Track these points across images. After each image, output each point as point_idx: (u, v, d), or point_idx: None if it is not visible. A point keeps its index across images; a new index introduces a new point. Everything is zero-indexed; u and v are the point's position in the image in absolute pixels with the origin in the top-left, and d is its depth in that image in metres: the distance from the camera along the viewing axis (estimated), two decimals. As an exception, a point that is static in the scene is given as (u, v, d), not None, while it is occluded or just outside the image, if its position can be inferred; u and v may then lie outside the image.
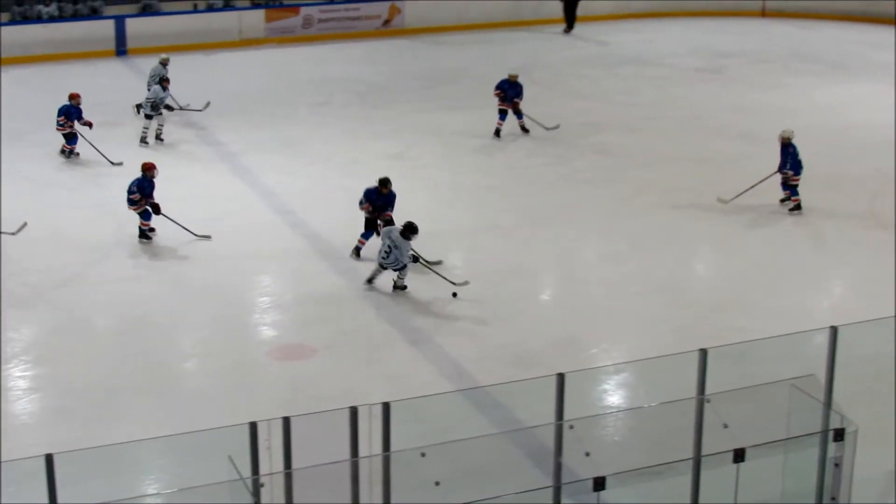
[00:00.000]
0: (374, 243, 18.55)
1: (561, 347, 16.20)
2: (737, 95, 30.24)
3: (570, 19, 37.96)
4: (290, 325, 17.27)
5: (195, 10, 36.75)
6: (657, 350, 15.10)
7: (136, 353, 16.07)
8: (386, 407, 10.01)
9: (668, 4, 40.69)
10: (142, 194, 19.74)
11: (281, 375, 15.59)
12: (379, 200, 18.90)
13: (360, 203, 19.06)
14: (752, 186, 21.50)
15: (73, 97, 24.41)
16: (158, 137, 25.44)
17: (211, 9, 36.40)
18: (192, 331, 17.08)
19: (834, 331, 11.12)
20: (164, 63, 27.14)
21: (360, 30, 37.35)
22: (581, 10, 38.23)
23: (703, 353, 10.75)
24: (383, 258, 17.75)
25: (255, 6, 37.13)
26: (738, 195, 21.49)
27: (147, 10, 35.81)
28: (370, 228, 19.09)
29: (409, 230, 17.68)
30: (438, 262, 18.50)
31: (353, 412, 10.02)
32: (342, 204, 21.04)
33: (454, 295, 17.66)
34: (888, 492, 12.76)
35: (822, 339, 11.26)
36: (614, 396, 14.84)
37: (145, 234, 19.90)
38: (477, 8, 38.85)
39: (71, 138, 24.32)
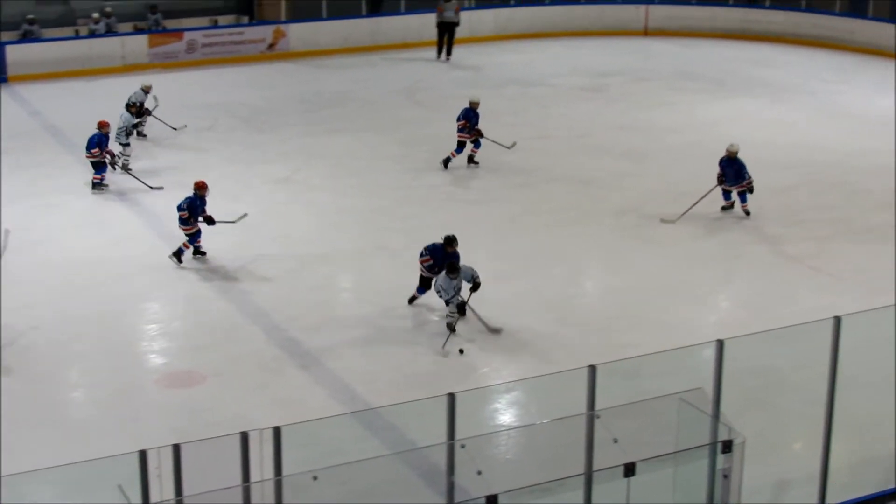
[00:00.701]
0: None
1: (451, 367, 16.25)
2: (620, 114, 30.55)
3: (447, 46, 37.58)
4: (178, 352, 17.11)
5: (77, 37, 36.42)
6: (548, 368, 15.21)
7: (21, 384, 15.82)
8: (277, 431, 9.95)
9: (548, 25, 40.95)
10: (191, 213, 19.66)
11: (171, 403, 15.44)
12: (445, 259, 17.91)
13: (421, 255, 18.24)
14: (695, 203, 21.90)
15: (103, 125, 23.74)
16: (126, 168, 24.69)
17: (93, 35, 36.04)
18: (79, 360, 16.84)
19: (720, 344, 11.27)
20: (145, 90, 27.20)
21: (244, 54, 37.15)
22: (463, 31, 38.24)
23: (592, 369, 10.82)
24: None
25: (137, 32, 36.85)
26: (682, 214, 21.81)
27: (28, 37, 35.34)
28: (424, 287, 18.31)
29: (450, 269, 17.28)
30: (497, 330, 17.71)
31: (244, 437, 9.96)
32: (228, 229, 20.88)
33: (461, 351, 16.95)
34: (776, 500, 12.95)
35: (710, 353, 11.39)
36: (506, 415, 14.89)
37: (199, 250, 20.05)
38: (361, 31, 38.90)
39: (99, 167, 23.66)
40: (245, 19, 39.40)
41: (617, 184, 24.48)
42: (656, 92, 33.01)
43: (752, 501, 11.99)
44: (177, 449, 9.76)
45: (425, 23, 38.53)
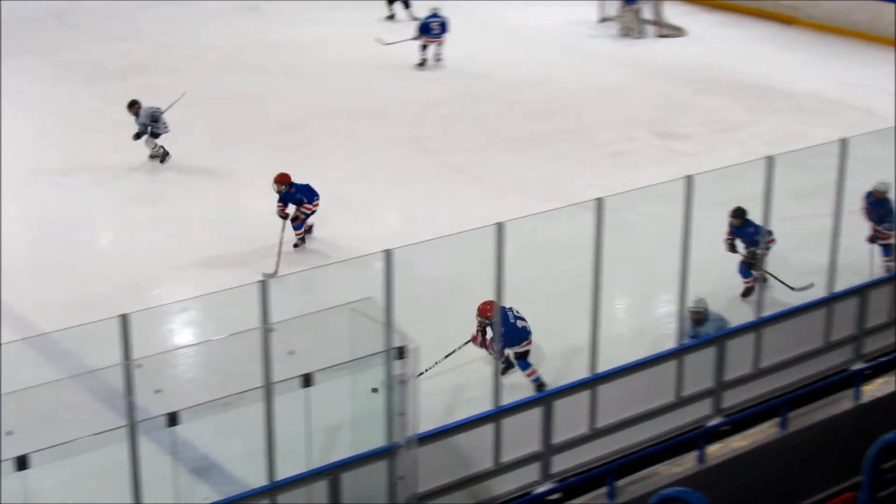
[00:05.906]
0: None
1: (124, 291, 16.02)
2: (274, 31, 30.35)
3: None
4: None
5: None
6: (219, 286, 15.19)
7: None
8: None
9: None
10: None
11: None
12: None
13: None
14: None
15: None
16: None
17: None
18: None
19: (388, 253, 11.44)
20: None
21: None
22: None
23: (263, 284, 10.77)
24: None
25: None
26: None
27: None
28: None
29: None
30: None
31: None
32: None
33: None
34: (453, 402, 13.41)
35: (381, 264, 11.56)
36: (182, 334, 14.91)
37: None
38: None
39: None
40: None
41: (275, 100, 24.53)
42: (309, 10, 32.72)
43: (428, 404, 12.31)
44: None
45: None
